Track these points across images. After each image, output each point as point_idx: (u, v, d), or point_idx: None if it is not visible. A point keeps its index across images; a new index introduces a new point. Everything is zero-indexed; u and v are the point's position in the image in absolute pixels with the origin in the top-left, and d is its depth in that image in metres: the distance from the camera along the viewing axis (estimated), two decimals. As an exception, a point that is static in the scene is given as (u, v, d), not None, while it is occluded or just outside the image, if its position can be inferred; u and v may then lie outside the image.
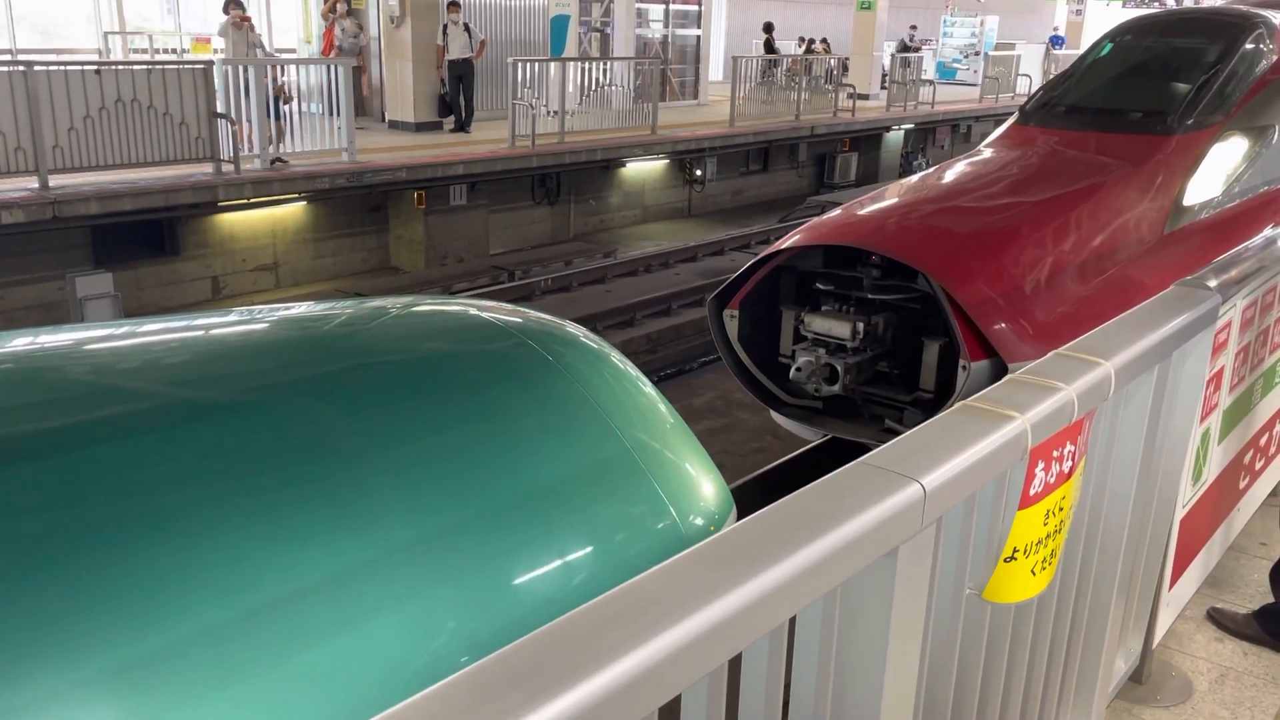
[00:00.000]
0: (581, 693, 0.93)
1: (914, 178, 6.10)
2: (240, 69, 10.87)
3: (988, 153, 6.09)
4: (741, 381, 5.43)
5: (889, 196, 5.60)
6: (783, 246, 5.19)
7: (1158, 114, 5.75)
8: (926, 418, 5.21)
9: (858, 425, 5.16)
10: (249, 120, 10.93)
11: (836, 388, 4.95)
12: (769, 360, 5.42)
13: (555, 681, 0.93)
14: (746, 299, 5.31)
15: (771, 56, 19.33)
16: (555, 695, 0.91)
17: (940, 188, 5.62)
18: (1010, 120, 6.42)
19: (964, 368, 4.54)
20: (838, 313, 5.11)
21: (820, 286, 5.22)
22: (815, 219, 5.45)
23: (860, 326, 4.95)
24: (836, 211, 5.47)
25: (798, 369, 4.99)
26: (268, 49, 13.11)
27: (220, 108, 10.50)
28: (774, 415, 5.42)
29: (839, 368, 4.92)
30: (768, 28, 20.94)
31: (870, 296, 5.03)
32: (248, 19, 12.21)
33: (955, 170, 5.93)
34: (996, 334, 4.50)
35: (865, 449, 5.06)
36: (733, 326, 5.31)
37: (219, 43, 12.88)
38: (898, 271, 4.90)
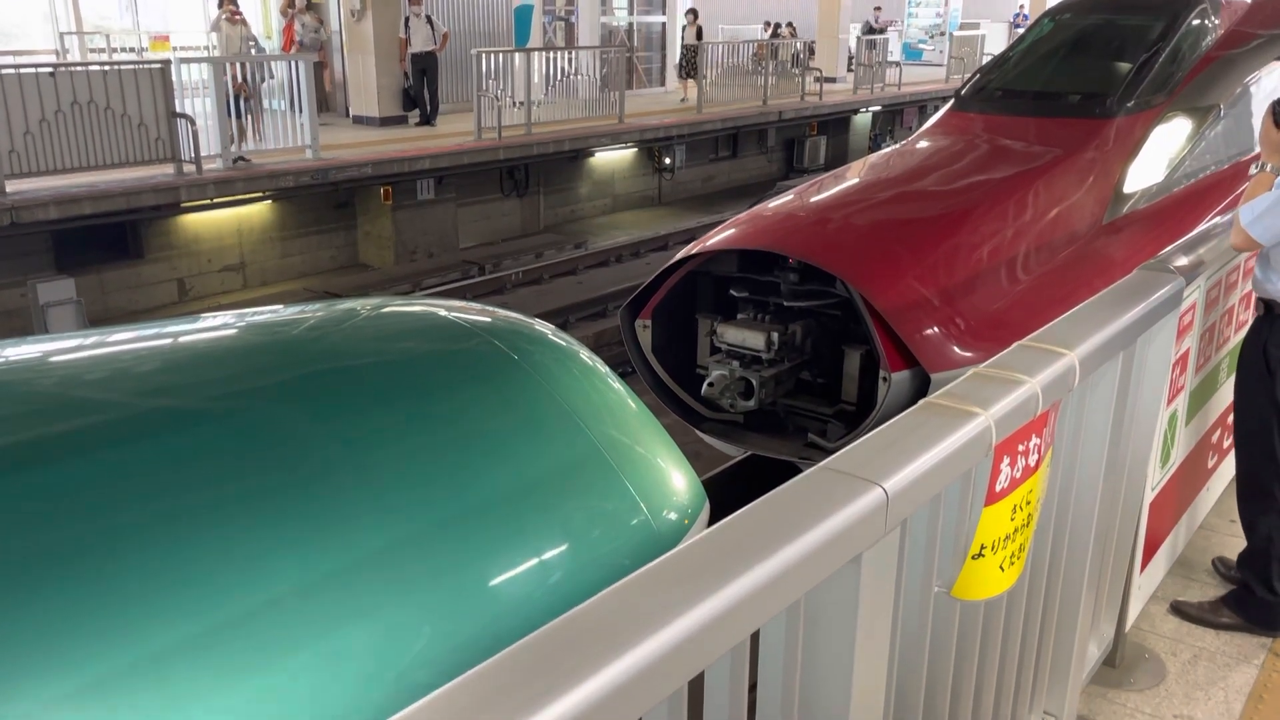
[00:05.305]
0: (534, 725, 0.90)
1: (841, 171, 5.73)
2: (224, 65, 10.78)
3: (920, 143, 5.77)
4: (659, 396, 5.01)
5: (812, 193, 5.26)
6: (695, 250, 4.85)
7: (1096, 96, 5.50)
8: (849, 431, 4.91)
9: (780, 440, 4.82)
10: (237, 115, 10.87)
11: (752, 403, 4.60)
12: (687, 372, 5.07)
13: (507, 716, 0.90)
14: (661, 307, 4.98)
15: (695, 44, 18.28)
16: (507, 728, 0.88)
17: (866, 183, 5.28)
18: (946, 106, 6.13)
19: (885, 379, 4.24)
20: (753, 321, 4.75)
21: (736, 293, 4.87)
22: (734, 217, 5.09)
23: (776, 337, 4.62)
24: (755, 210, 5.13)
25: (710, 384, 4.63)
26: (261, 44, 13.05)
27: (187, 108, 10.37)
28: (697, 432, 5.06)
29: (754, 381, 4.56)
30: (693, 13, 19.35)
31: (788, 304, 4.71)
32: (241, 15, 12.12)
33: (884, 163, 5.61)
34: (917, 343, 4.19)
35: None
36: (646, 337, 4.96)
37: (212, 39, 12.82)
38: (817, 275, 4.56)
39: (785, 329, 4.69)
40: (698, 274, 5.02)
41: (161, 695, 1.35)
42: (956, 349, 4.25)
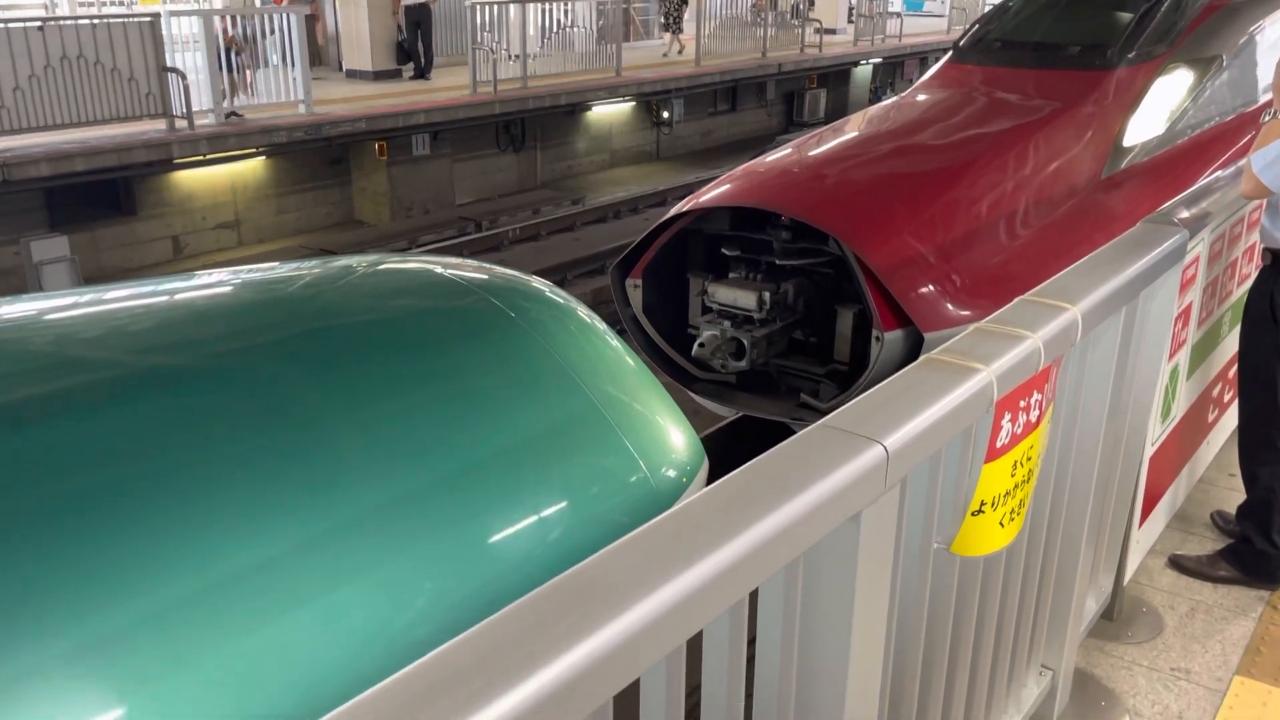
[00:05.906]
0: (533, 685, 0.89)
1: (838, 125, 5.67)
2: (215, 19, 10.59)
3: (917, 96, 5.69)
4: (650, 357, 4.90)
5: (807, 148, 5.19)
6: (686, 208, 4.78)
7: (1096, 47, 5.41)
8: (842, 391, 4.89)
9: (772, 401, 4.75)
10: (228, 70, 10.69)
11: (744, 363, 4.53)
12: (679, 332, 4.98)
13: (505, 675, 0.89)
14: (652, 266, 4.90)
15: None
16: (505, 690, 0.87)
17: (861, 138, 5.21)
18: (944, 58, 6.05)
19: (878, 338, 4.18)
20: (745, 281, 4.68)
21: (727, 252, 4.79)
22: (727, 174, 5.01)
23: (768, 296, 4.52)
24: (748, 166, 5.06)
25: (700, 344, 4.54)
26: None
27: (178, 62, 10.23)
28: (689, 392, 4.98)
29: (746, 341, 4.49)
30: None
31: (780, 262, 4.61)
32: None
33: (880, 117, 5.52)
34: (910, 301, 4.13)
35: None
36: (636, 297, 4.88)
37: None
38: (810, 233, 4.48)
39: (777, 288, 4.63)
40: (689, 232, 4.95)
41: (162, 650, 1.35)
42: (950, 307, 4.20)
